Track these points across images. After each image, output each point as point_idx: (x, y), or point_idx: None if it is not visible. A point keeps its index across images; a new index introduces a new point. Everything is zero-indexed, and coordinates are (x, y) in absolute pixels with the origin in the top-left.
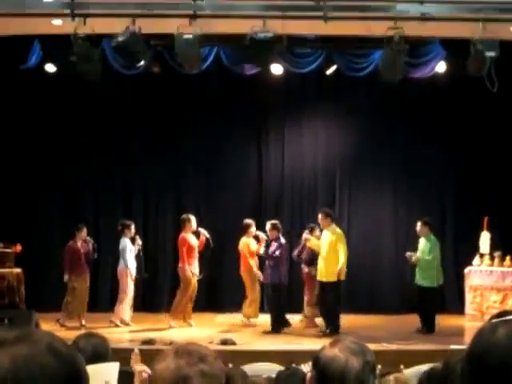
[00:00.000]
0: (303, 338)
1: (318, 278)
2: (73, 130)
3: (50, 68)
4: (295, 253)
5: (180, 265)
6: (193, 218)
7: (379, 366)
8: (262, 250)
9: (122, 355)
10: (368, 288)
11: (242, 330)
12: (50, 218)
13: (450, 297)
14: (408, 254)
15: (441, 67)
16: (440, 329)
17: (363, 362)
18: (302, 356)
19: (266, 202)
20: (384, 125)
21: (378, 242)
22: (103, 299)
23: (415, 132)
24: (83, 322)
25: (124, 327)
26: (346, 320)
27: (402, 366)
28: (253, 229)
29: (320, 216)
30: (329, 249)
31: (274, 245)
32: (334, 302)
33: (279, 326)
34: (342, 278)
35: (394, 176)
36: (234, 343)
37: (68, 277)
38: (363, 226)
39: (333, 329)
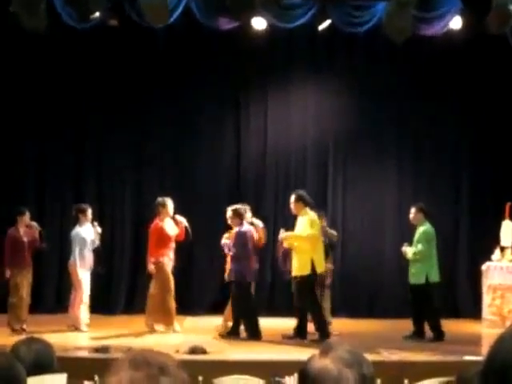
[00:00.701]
0: (288, 345)
1: (293, 273)
2: (13, 95)
3: None
4: (279, 260)
5: (152, 259)
6: (169, 203)
7: (379, 381)
8: (222, 242)
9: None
10: (367, 288)
11: (215, 336)
12: None
13: (463, 299)
14: (404, 248)
15: (456, 23)
16: (451, 336)
17: (359, 375)
18: (287, 367)
19: (246, 184)
20: (387, 92)
21: (379, 233)
22: (48, 298)
23: (423, 101)
24: (24, 326)
25: (78, 331)
26: (341, 325)
27: (406, 381)
28: (248, 214)
29: (292, 199)
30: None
31: (234, 236)
32: (310, 300)
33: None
34: (319, 270)
35: (398, 154)
36: (204, 352)
37: (10, 272)
38: (361, 215)
39: (322, 335)
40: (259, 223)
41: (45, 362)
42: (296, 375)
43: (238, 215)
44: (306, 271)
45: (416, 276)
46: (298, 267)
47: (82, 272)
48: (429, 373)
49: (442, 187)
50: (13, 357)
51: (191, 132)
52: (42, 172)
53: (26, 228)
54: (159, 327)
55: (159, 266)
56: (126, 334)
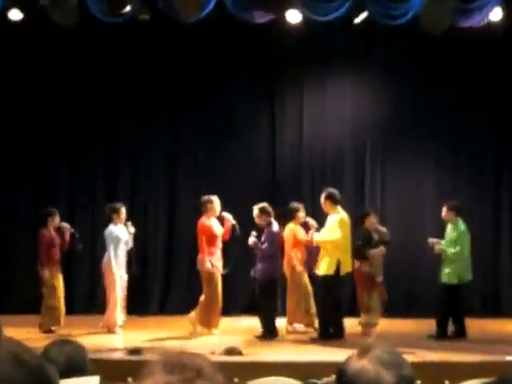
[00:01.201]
0: (323, 346)
1: (317, 272)
2: (44, 89)
3: (16, 15)
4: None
5: (199, 257)
6: (216, 200)
7: (418, 382)
8: (250, 240)
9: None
10: (405, 287)
11: (250, 337)
12: (12, 197)
13: (507, 297)
14: (431, 240)
15: (496, 15)
16: (493, 336)
17: (398, 376)
18: (323, 368)
19: (281, 180)
20: (425, 86)
21: (418, 231)
22: (79, 299)
23: (464, 95)
24: (54, 328)
25: (111, 334)
26: (378, 325)
27: (446, 383)
28: (301, 214)
29: (322, 198)
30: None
31: (265, 234)
32: (328, 301)
33: (272, 330)
34: (344, 271)
35: (437, 149)
36: (240, 353)
37: (48, 272)
38: (400, 212)
39: (323, 335)
40: (313, 223)
41: (77, 364)
42: (333, 376)
43: (265, 213)
44: (331, 272)
45: (449, 276)
46: (323, 267)
47: (117, 272)
48: (470, 374)
49: (484, 184)
50: (43, 358)
51: (226, 129)
52: (74, 172)
53: (56, 230)
54: (201, 329)
55: (201, 265)
56: (160, 336)
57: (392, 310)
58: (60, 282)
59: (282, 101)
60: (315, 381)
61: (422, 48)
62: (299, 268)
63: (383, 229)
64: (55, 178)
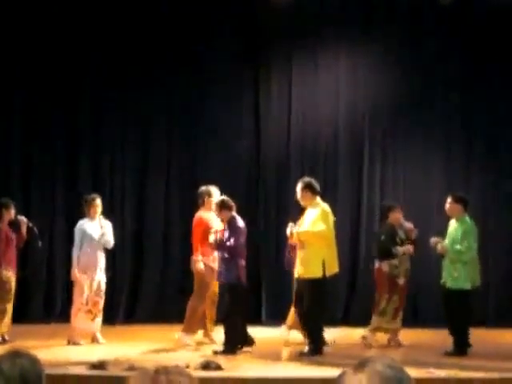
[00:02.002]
0: (314, 360)
1: (296, 275)
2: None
3: None
4: (285, 258)
5: (197, 256)
6: (215, 192)
7: None
8: (211, 238)
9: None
10: (410, 292)
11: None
12: None
13: None
14: (433, 239)
15: None
16: (507, 350)
17: None
18: None
19: (266, 169)
20: (434, 60)
21: (424, 228)
22: (35, 305)
23: (478, 71)
24: (6, 336)
25: (74, 345)
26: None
27: None
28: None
29: (299, 189)
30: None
31: (228, 230)
32: (314, 308)
33: (234, 344)
34: (329, 273)
35: (446, 131)
36: (219, 367)
37: (7, 272)
38: (402, 203)
39: (313, 348)
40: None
41: (31, 379)
42: None
43: (226, 207)
44: (317, 274)
45: (459, 280)
46: (306, 268)
47: (76, 274)
48: None
49: (496, 170)
50: None
51: (202, 107)
52: (29, 157)
53: (11, 223)
54: (185, 336)
55: (194, 265)
56: (127, 347)
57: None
58: (13, 284)
59: (267, 76)
60: None
61: (430, 16)
62: None
63: (410, 225)
64: (7, 163)
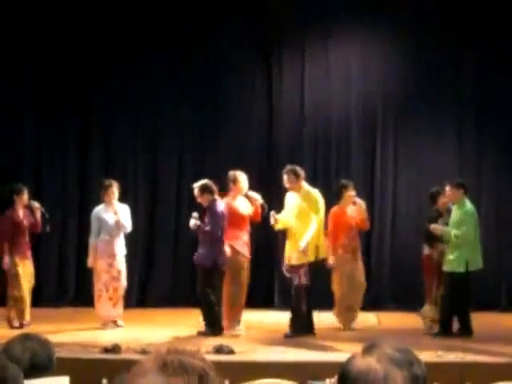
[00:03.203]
0: (325, 343)
1: (287, 261)
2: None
3: None
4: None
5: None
6: (243, 178)
7: None
8: (191, 222)
9: (74, 367)
10: (420, 278)
11: (243, 334)
12: None
13: None
14: (433, 226)
15: None
16: None
17: (410, 375)
18: (324, 369)
19: (278, 154)
20: (446, 45)
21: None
22: (49, 290)
23: (492, 57)
24: (27, 320)
25: (108, 328)
26: (388, 319)
27: None
28: (352, 193)
29: (285, 176)
30: (298, 219)
31: (207, 214)
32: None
33: (215, 325)
34: (323, 255)
35: (459, 119)
36: (231, 351)
37: (11, 260)
38: (415, 193)
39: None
40: (361, 203)
41: (42, 361)
42: (335, 377)
43: (208, 191)
44: (311, 258)
45: (454, 263)
46: (302, 255)
47: (98, 261)
48: (494, 376)
49: (510, 155)
50: (5, 357)
51: (214, 96)
52: (41, 144)
53: (25, 209)
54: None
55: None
56: (140, 331)
57: (404, 303)
58: (28, 270)
59: (279, 63)
60: (316, 382)
61: (443, 2)
62: (344, 255)
63: None
64: (19, 149)
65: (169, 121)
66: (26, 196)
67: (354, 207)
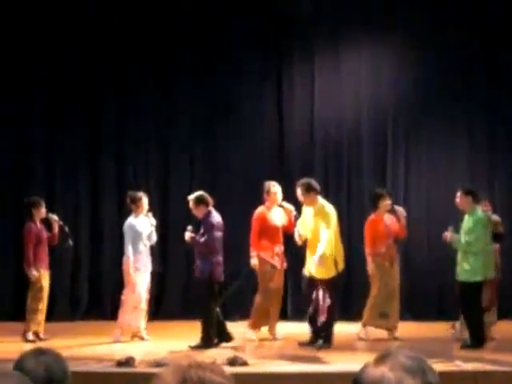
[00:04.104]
0: (339, 353)
1: (307, 273)
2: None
3: None
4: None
5: (253, 252)
6: (276, 188)
7: None
8: (186, 235)
9: (88, 380)
10: (434, 286)
11: (255, 345)
12: None
13: None
14: (446, 233)
15: None
16: None
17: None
18: (337, 379)
19: (289, 162)
20: (456, 55)
21: (448, 222)
22: (60, 303)
23: (502, 65)
24: (42, 335)
25: (126, 340)
26: (404, 329)
27: None
28: (387, 201)
29: (299, 190)
30: (314, 234)
31: (202, 226)
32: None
33: (209, 339)
34: (341, 268)
35: (469, 127)
36: (245, 363)
37: (36, 272)
38: (427, 199)
39: (326, 342)
40: (402, 211)
41: (56, 376)
42: None
43: (203, 203)
44: (331, 273)
45: (471, 272)
46: (322, 269)
47: (134, 271)
48: None
49: None
50: (19, 372)
51: (225, 107)
52: (52, 152)
53: (41, 223)
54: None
55: (254, 261)
56: (154, 344)
57: (419, 311)
58: (47, 283)
59: (290, 74)
60: None
61: (454, 10)
62: (382, 263)
63: (496, 218)
64: (30, 159)
65: (180, 133)
66: (43, 209)
67: (390, 215)
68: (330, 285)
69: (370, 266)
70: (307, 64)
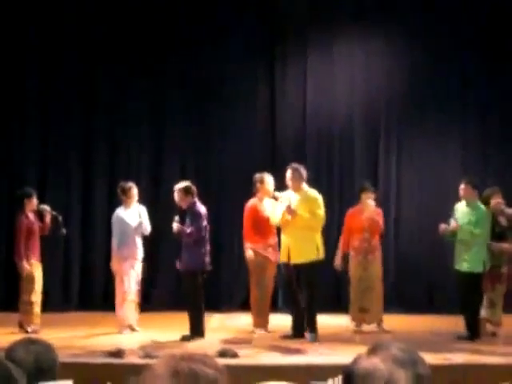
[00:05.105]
0: (329, 345)
1: (284, 259)
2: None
3: None
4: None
5: (247, 244)
6: (269, 179)
7: None
8: (174, 226)
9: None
10: (426, 279)
11: (246, 337)
12: None
13: None
14: (444, 225)
15: None
16: None
17: (414, 375)
18: (328, 371)
19: (281, 155)
20: (452, 49)
21: (440, 213)
22: (52, 294)
23: (498, 60)
24: (37, 327)
25: (127, 333)
26: (395, 322)
27: None
28: (369, 195)
29: (289, 172)
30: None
31: (188, 217)
32: (310, 292)
33: (198, 330)
34: (322, 255)
35: (463, 120)
36: (235, 355)
37: (28, 263)
38: (419, 192)
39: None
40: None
41: (46, 365)
42: (339, 377)
43: (189, 193)
44: (310, 257)
45: (473, 263)
46: (307, 253)
47: (122, 264)
48: (498, 378)
49: None
50: (8, 362)
51: (216, 96)
52: (44, 142)
53: (33, 213)
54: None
55: (245, 253)
56: (144, 335)
57: (411, 305)
58: (40, 274)
59: (282, 67)
60: (318, 383)
61: (449, 5)
62: (355, 256)
63: (510, 211)
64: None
65: (172, 130)
66: (35, 200)
67: (377, 209)
68: (310, 271)
69: (338, 259)
70: (300, 57)
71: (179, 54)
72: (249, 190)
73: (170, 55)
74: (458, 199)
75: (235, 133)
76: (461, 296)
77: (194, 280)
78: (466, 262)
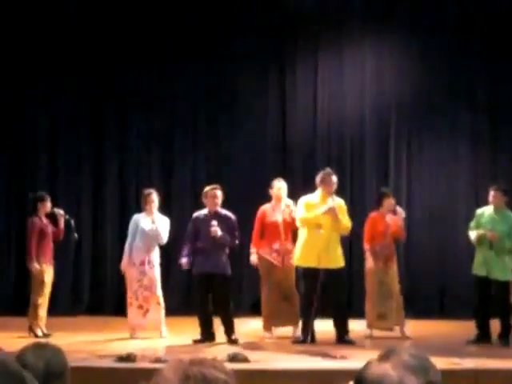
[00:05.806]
0: (341, 350)
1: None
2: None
3: None
4: None
5: (251, 249)
6: (280, 184)
7: None
8: (217, 231)
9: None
10: (436, 284)
11: (256, 342)
12: None
13: None
14: (491, 233)
15: None
16: None
17: (425, 382)
18: (340, 376)
19: (292, 160)
20: (461, 51)
21: (452, 222)
22: (61, 298)
23: (507, 62)
24: (44, 330)
25: (135, 339)
26: (406, 327)
27: None
28: (391, 201)
29: (335, 178)
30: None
31: (229, 224)
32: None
33: (206, 334)
34: (322, 265)
35: (473, 125)
36: (245, 360)
37: (39, 267)
38: (429, 197)
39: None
40: (401, 212)
41: (56, 370)
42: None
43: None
44: (308, 263)
45: (504, 272)
46: (336, 259)
47: (130, 267)
48: (510, 383)
49: None
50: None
51: (227, 100)
52: (55, 152)
53: (47, 217)
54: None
55: (252, 257)
56: (155, 340)
57: (421, 310)
58: (50, 278)
59: (292, 70)
60: None
61: (454, 5)
62: (375, 262)
63: None
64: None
65: (183, 132)
66: (48, 204)
67: (392, 216)
68: (342, 276)
69: (368, 263)
70: (310, 58)
71: (190, 62)
72: (260, 194)
73: (182, 62)
74: (466, 198)
75: (246, 137)
76: (498, 304)
77: (230, 284)
78: (499, 270)
